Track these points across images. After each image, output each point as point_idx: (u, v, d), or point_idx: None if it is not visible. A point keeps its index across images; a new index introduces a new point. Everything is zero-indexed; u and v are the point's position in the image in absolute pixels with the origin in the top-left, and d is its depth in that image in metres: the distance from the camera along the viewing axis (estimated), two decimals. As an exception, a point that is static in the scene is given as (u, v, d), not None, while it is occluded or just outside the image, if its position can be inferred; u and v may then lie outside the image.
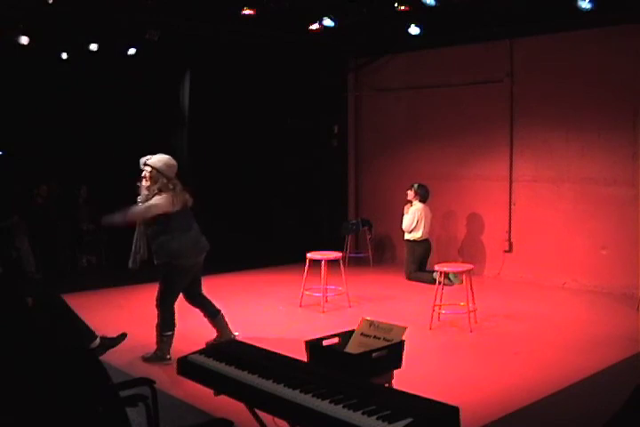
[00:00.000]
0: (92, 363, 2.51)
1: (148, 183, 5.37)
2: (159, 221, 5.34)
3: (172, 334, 5.49)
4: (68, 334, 4.85)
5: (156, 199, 5.30)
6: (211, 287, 8.48)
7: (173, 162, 5.46)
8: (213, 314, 5.82)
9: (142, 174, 5.41)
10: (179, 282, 5.51)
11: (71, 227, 9.58)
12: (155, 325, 5.49)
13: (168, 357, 5.39)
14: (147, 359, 5.45)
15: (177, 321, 5.53)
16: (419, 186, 8.84)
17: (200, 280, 5.81)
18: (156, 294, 5.50)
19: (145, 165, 5.40)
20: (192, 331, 6.29)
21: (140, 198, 5.41)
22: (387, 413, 2.44)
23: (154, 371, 5.05)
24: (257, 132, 10.39)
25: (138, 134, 10.02)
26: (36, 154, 9.30)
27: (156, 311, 5.50)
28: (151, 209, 5.28)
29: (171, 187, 5.34)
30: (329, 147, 11.10)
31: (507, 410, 4.37)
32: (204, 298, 5.85)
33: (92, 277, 9.11)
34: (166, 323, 5.46)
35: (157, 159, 5.40)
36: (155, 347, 5.48)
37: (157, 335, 5.48)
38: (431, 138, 9.82)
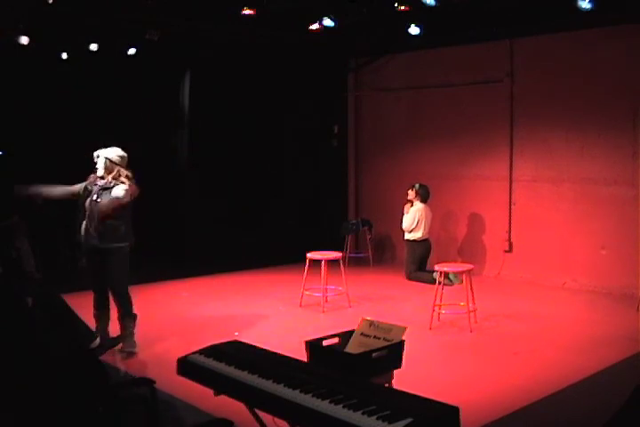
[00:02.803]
0: (92, 363, 2.51)
1: (102, 173, 5.64)
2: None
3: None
4: (67, 334, 4.86)
5: (117, 193, 5.49)
6: (211, 287, 8.52)
7: (124, 153, 5.82)
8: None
9: (97, 166, 5.71)
10: (127, 265, 5.76)
11: (71, 227, 9.56)
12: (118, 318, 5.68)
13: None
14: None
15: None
16: (420, 186, 8.85)
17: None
18: (111, 282, 5.67)
19: (98, 156, 5.72)
20: (192, 331, 6.30)
21: (94, 187, 5.63)
22: (387, 413, 2.45)
23: (154, 371, 5.05)
24: (257, 132, 10.39)
25: (138, 134, 10.01)
26: (35, 154, 9.29)
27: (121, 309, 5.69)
28: (114, 203, 5.49)
29: (125, 177, 5.63)
30: (329, 147, 11.10)
31: (507, 410, 4.37)
32: None
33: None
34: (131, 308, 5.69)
35: (110, 151, 5.74)
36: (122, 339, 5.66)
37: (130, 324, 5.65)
38: (431, 138, 9.83)
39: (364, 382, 3.03)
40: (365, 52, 10.49)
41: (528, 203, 8.85)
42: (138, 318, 5.72)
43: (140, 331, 6.07)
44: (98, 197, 5.56)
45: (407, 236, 8.83)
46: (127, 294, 5.73)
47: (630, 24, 7.58)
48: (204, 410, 4.26)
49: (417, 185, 8.87)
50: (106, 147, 5.78)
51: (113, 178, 5.60)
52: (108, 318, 5.75)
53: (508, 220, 9.02)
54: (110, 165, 5.66)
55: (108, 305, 5.75)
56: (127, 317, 5.64)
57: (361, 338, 3.52)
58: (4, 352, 2.30)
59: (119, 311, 5.65)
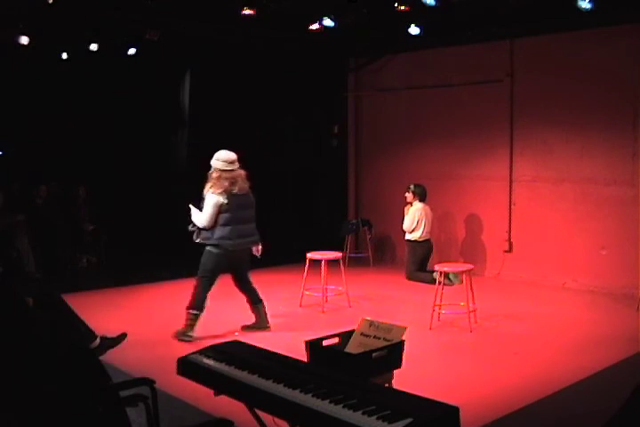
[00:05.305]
0: (92, 363, 2.51)
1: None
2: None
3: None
4: (67, 334, 4.86)
5: (206, 198, 5.92)
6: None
7: (222, 155, 6.06)
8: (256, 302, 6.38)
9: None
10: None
11: (71, 227, 9.58)
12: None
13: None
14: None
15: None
16: (415, 186, 8.83)
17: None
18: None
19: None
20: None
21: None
22: (387, 413, 2.44)
23: (154, 371, 5.04)
24: (257, 132, 10.39)
25: (138, 134, 10.03)
26: (35, 154, 9.30)
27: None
28: (207, 211, 5.89)
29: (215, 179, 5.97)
30: (329, 147, 11.10)
31: (507, 410, 4.37)
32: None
33: (92, 277, 9.11)
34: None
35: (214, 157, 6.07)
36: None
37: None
38: (431, 138, 9.82)
39: (364, 382, 3.03)
40: (365, 52, 10.49)
41: (528, 203, 8.84)
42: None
43: (140, 331, 6.09)
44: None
45: (408, 236, 8.82)
46: None
47: (630, 24, 7.58)
48: (203, 410, 4.26)
49: (411, 186, 8.85)
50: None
51: (209, 181, 5.97)
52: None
53: (507, 220, 9.02)
54: (212, 170, 6.02)
55: None
56: (260, 302, 6.34)
57: (361, 338, 3.52)
58: (4, 352, 2.30)
59: (255, 298, 6.34)
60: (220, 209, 5.88)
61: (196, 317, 6.06)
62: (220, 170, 5.96)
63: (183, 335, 6.01)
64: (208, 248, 6.00)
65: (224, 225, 5.92)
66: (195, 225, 6.02)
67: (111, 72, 9.26)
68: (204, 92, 9.88)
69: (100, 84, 9.35)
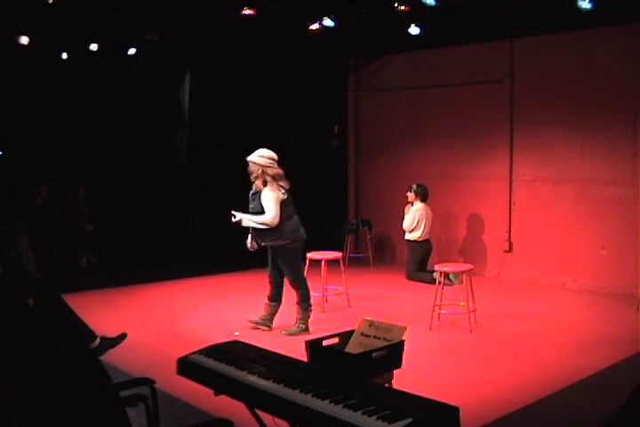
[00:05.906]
0: (92, 363, 2.51)
1: (251, 178, 6.09)
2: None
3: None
4: (67, 334, 4.86)
5: (266, 196, 5.95)
6: (211, 287, 8.53)
7: (266, 152, 6.11)
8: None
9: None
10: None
11: (71, 227, 9.58)
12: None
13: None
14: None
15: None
16: (417, 186, 8.83)
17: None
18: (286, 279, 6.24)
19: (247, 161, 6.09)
20: (192, 331, 6.31)
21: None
22: (387, 413, 2.44)
23: (154, 371, 5.05)
24: (257, 132, 10.38)
25: (138, 134, 10.02)
26: (35, 154, 9.29)
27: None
28: (274, 208, 5.92)
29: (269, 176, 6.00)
30: (329, 147, 11.10)
31: (507, 410, 4.37)
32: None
33: (92, 277, 9.11)
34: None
35: (254, 153, 6.10)
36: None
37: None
38: (431, 138, 9.82)
39: (364, 382, 3.03)
40: (365, 52, 10.49)
41: (528, 203, 8.84)
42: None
43: (140, 331, 6.09)
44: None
45: (407, 236, 8.82)
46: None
47: (630, 24, 7.59)
48: (203, 410, 4.26)
49: (414, 185, 8.85)
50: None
51: (255, 178, 6.03)
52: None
53: (507, 220, 9.02)
54: (253, 166, 6.04)
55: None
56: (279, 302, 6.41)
57: (361, 338, 3.52)
58: (4, 352, 2.30)
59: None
60: (282, 204, 5.98)
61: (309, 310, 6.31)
62: (267, 166, 6.03)
63: (303, 330, 6.23)
64: (283, 248, 6.06)
65: (289, 219, 6.04)
66: (258, 230, 6.07)
67: (111, 72, 9.26)
68: (204, 92, 9.88)
69: (100, 84, 9.34)
